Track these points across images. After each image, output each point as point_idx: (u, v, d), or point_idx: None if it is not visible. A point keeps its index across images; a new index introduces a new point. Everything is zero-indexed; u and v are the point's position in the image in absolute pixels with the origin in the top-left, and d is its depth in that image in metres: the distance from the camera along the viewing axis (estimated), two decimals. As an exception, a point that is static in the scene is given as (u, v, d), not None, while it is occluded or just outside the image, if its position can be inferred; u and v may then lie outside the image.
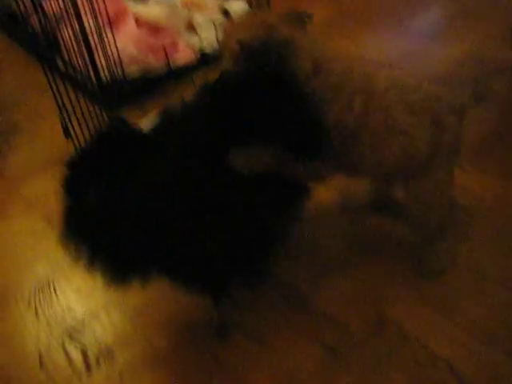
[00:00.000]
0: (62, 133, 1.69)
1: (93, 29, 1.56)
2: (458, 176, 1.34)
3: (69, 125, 1.54)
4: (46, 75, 1.42)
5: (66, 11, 1.47)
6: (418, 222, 1.11)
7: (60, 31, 1.65)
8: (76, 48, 1.52)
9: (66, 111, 1.53)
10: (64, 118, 1.53)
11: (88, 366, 1.06)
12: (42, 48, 1.59)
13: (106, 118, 1.63)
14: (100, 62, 1.64)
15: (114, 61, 1.68)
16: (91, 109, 1.58)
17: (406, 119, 0.98)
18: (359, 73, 0.99)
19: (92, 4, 1.53)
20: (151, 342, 1.08)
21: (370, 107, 0.97)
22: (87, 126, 1.53)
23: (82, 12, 1.50)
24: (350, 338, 1.05)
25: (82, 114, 1.54)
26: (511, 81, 1.68)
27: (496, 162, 1.41)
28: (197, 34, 1.96)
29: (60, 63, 1.89)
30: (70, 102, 1.53)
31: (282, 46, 0.91)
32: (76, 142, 1.55)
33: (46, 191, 1.48)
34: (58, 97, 1.47)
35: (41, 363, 1.07)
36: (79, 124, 1.53)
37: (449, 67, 1.78)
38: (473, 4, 2.10)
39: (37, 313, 1.17)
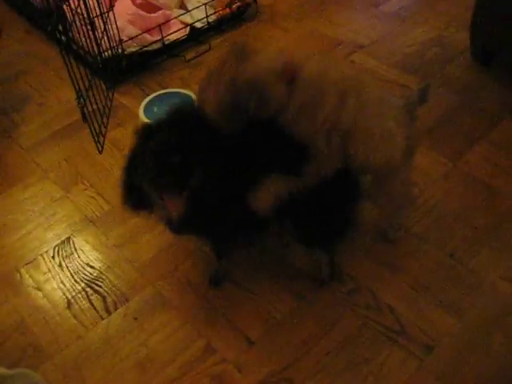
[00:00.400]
0: (67, 104, 1.89)
1: (97, 11, 1.74)
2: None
3: (83, 96, 1.73)
4: (63, 57, 1.56)
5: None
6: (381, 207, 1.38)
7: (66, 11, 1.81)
8: (84, 29, 1.70)
9: (78, 86, 1.70)
10: (80, 94, 1.70)
11: (107, 309, 1.33)
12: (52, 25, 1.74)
13: (110, 92, 1.84)
14: (103, 40, 1.82)
15: (115, 39, 1.86)
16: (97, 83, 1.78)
17: (393, 125, 1.14)
18: (335, 78, 1.06)
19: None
20: (158, 290, 1.35)
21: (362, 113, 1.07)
22: (94, 98, 1.75)
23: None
24: (316, 289, 1.33)
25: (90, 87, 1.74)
26: (464, 64, 1.90)
27: (444, 140, 1.66)
28: (187, 11, 2.13)
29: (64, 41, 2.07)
30: (81, 77, 1.70)
31: (252, 91, 0.98)
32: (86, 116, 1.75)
33: (59, 159, 1.70)
34: (74, 77, 1.62)
35: (69, 308, 1.34)
36: (88, 97, 1.73)
37: (414, 48, 2.00)
38: (441, -14, 2.29)
39: (61, 265, 1.43)
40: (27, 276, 1.41)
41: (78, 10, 1.68)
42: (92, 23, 1.70)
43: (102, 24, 1.78)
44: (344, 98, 1.06)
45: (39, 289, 1.38)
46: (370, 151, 1.12)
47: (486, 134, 1.67)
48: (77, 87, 1.63)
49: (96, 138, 1.66)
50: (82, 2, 1.66)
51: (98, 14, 1.74)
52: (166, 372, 1.21)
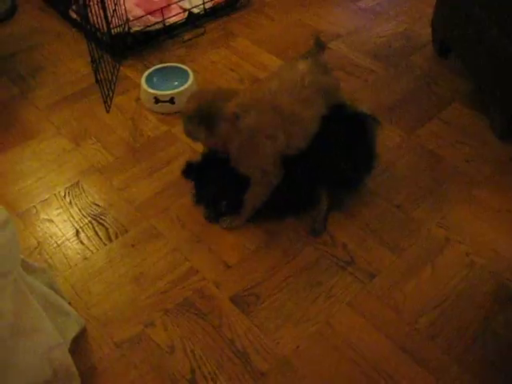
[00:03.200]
0: (77, 74, 2.15)
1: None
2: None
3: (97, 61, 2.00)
4: (84, 27, 1.82)
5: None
6: None
7: None
8: (96, 8, 1.96)
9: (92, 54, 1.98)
10: (94, 59, 1.98)
11: (109, 238, 1.60)
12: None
13: (117, 64, 2.10)
14: (113, 19, 2.09)
15: (123, 19, 2.12)
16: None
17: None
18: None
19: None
20: (152, 224, 1.62)
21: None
22: (104, 69, 2.02)
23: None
24: (283, 228, 1.61)
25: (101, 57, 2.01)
26: (426, 56, 2.19)
27: (402, 117, 1.95)
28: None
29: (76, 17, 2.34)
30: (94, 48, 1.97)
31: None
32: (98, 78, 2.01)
33: (70, 119, 1.96)
34: (90, 45, 1.89)
35: (77, 235, 1.61)
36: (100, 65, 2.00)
37: (384, 40, 2.29)
38: (413, -13, 2.58)
39: (71, 203, 1.69)
40: (42, 210, 1.67)
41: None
42: (103, 2, 1.96)
43: (112, 4, 2.05)
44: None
45: (52, 221, 1.64)
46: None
47: (437, 114, 1.96)
48: (92, 53, 1.90)
49: (105, 98, 1.93)
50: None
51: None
52: (157, 285, 1.48)
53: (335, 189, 1.62)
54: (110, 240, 1.59)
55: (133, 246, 1.58)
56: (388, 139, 1.87)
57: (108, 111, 1.96)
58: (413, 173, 1.76)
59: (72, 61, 2.22)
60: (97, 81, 2.01)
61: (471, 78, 2.04)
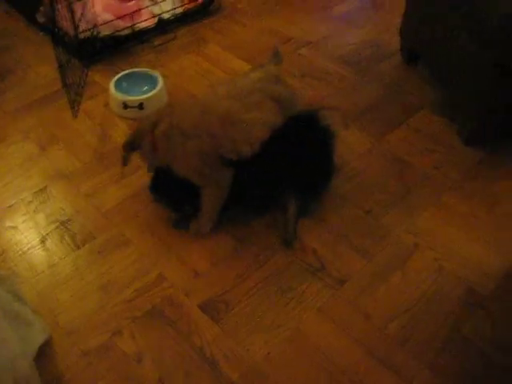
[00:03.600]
0: (45, 78, 2.12)
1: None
2: (344, 133, 1.89)
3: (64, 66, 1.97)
4: (54, 43, 1.80)
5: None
6: None
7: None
8: (64, 13, 1.94)
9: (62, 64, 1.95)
10: (61, 63, 1.94)
11: (77, 245, 1.56)
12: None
13: (85, 69, 2.07)
14: (80, 23, 2.06)
15: (91, 23, 2.10)
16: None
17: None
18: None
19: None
20: (121, 231, 1.60)
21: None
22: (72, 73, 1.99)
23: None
24: (252, 234, 1.60)
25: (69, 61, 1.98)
26: (394, 63, 2.22)
27: (371, 124, 1.96)
28: (157, 3, 2.38)
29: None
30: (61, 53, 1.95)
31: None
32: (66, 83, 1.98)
33: (38, 123, 1.92)
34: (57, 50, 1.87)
35: (43, 243, 1.57)
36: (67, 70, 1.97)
37: (354, 47, 2.31)
38: (383, -4, 2.62)
39: (37, 209, 1.65)
40: (6, 217, 1.63)
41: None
42: (71, 6, 1.93)
43: (80, 8, 2.02)
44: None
45: (17, 228, 1.60)
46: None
47: (405, 120, 1.98)
48: (59, 58, 1.87)
49: (72, 103, 1.90)
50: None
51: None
52: (125, 293, 1.45)
53: (300, 194, 1.61)
54: (78, 247, 1.56)
55: (100, 252, 1.55)
56: (358, 145, 1.88)
57: (75, 116, 1.93)
58: (382, 179, 1.78)
59: (40, 65, 2.18)
60: (64, 85, 1.98)
61: (439, 85, 2.07)
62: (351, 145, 1.88)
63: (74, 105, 1.93)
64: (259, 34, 2.40)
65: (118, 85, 1.96)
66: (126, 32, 2.21)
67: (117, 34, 2.19)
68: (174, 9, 2.35)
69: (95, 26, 2.11)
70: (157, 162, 1.54)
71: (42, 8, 2.27)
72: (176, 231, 1.60)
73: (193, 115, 1.48)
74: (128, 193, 1.70)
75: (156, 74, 2.01)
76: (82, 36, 2.07)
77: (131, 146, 1.52)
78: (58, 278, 1.48)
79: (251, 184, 1.55)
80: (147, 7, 2.31)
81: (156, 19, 2.31)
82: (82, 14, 2.03)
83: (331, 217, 1.66)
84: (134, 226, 1.62)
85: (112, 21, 2.16)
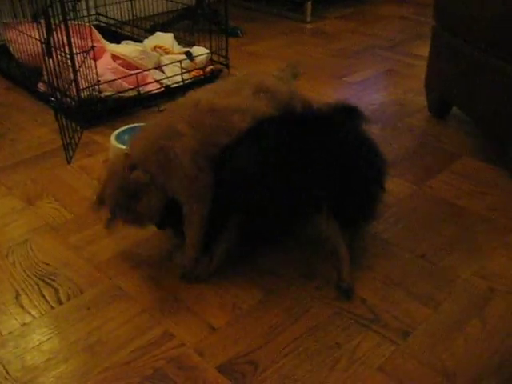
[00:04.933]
0: (38, 139, 1.91)
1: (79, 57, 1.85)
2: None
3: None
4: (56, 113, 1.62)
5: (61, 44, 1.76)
6: None
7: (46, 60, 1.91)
8: (63, 73, 1.78)
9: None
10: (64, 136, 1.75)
11: (59, 300, 1.22)
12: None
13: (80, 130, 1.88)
14: (81, 84, 1.90)
15: (93, 83, 1.94)
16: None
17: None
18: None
19: (81, 40, 1.85)
20: (116, 283, 1.26)
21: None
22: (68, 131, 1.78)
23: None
24: (284, 284, 1.27)
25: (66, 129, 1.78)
26: (422, 118, 2.03)
27: (408, 171, 1.71)
28: (164, 72, 2.27)
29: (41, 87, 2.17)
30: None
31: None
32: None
33: (25, 180, 1.67)
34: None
35: (17, 298, 1.23)
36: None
37: (376, 107, 2.14)
38: (397, 67, 2.52)
39: (14, 263, 1.33)
40: (-25, 273, 1.31)
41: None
42: (73, 59, 1.79)
43: (79, 64, 1.88)
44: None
45: (-15, 283, 1.28)
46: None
47: (446, 167, 1.73)
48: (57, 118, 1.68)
49: (66, 146, 1.67)
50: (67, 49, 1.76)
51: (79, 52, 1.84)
52: (119, 355, 1.09)
53: (344, 221, 1.25)
54: (60, 303, 1.22)
55: (89, 309, 1.20)
56: (397, 191, 1.61)
57: (69, 162, 1.69)
58: (432, 223, 1.48)
59: (35, 129, 1.98)
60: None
61: (478, 130, 1.87)
62: (389, 191, 1.59)
63: (69, 147, 1.69)
64: (272, 100, 2.24)
65: (119, 137, 1.74)
66: (130, 94, 2.05)
67: (120, 95, 2.03)
68: (183, 80, 2.22)
69: (97, 83, 1.95)
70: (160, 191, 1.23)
71: (43, 78, 2.14)
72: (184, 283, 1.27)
73: (163, 121, 1.28)
74: (127, 244, 1.40)
75: (162, 129, 1.81)
76: (82, 95, 1.90)
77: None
78: (30, 339, 1.13)
79: (265, 206, 1.23)
80: (156, 81, 2.18)
81: (162, 87, 2.17)
82: (78, 69, 1.88)
83: (378, 263, 1.34)
84: (132, 277, 1.29)
85: (115, 80, 2.01)
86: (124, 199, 1.21)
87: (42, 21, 1.65)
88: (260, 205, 1.22)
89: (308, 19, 3.13)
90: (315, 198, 1.21)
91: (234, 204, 1.24)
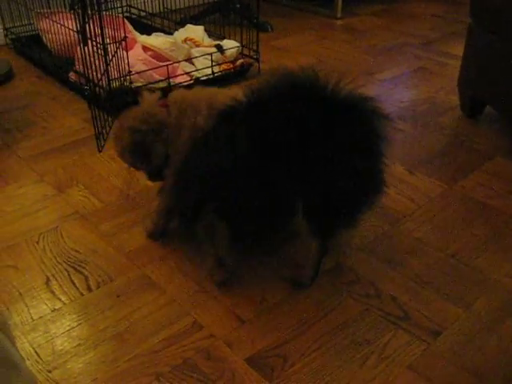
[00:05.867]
0: (69, 129, 1.93)
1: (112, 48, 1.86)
2: (409, 178, 1.63)
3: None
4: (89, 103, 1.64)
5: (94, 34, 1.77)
6: None
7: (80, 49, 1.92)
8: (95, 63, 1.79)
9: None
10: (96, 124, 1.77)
11: (89, 287, 1.23)
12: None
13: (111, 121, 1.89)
14: (113, 74, 1.91)
15: (125, 74, 1.95)
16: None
17: None
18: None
19: (113, 31, 1.86)
20: (146, 273, 1.27)
21: None
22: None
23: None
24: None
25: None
26: (454, 117, 2.00)
27: (439, 170, 1.68)
28: (194, 65, 2.27)
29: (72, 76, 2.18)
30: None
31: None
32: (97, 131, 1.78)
33: (56, 167, 1.68)
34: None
35: (47, 284, 1.24)
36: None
37: (407, 104, 2.11)
38: (429, 65, 2.48)
39: (44, 249, 1.35)
40: (6, 256, 1.32)
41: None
42: (105, 49, 1.80)
43: (111, 54, 1.88)
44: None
45: (16, 267, 1.29)
46: None
47: (479, 167, 1.70)
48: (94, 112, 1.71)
49: (97, 135, 1.68)
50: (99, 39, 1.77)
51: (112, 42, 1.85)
52: (148, 343, 1.09)
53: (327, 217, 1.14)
54: (90, 290, 1.23)
55: (118, 296, 1.21)
56: (427, 190, 1.59)
57: (100, 151, 1.70)
58: (464, 222, 1.46)
59: (65, 118, 2.00)
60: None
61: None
62: (420, 189, 1.59)
63: (100, 136, 1.71)
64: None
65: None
66: (161, 84, 2.05)
67: (151, 86, 2.03)
68: (212, 67, 2.22)
69: (128, 73, 1.96)
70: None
71: (74, 67, 2.16)
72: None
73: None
74: (156, 234, 1.40)
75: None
76: (113, 85, 1.90)
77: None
78: (60, 324, 1.14)
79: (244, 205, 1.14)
80: (186, 73, 2.18)
81: (193, 77, 2.17)
82: (110, 60, 1.89)
83: (409, 261, 1.32)
84: (162, 267, 1.29)
85: (146, 71, 2.02)
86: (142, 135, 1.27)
87: (78, 10, 1.66)
88: (232, 200, 1.14)
89: (338, 15, 3.10)
90: (290, 197, 1.12)
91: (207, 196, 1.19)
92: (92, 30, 1.76)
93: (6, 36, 2.62)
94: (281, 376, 1.03)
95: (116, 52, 1.89)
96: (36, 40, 2.47)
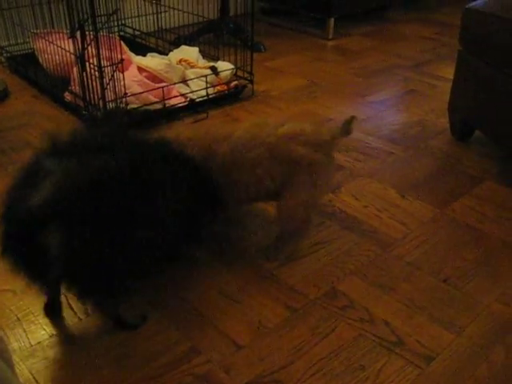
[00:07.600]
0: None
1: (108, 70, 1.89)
2: (401, 202, 1.66)
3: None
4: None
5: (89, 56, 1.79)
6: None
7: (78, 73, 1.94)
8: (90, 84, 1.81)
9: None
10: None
11: (86, 312, 1.24)
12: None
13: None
14: (109, 96, 1.94)
15: (121, 96, 1.98)
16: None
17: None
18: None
19: (109, 51, 1.89)
20: (141, 297, 1.29)
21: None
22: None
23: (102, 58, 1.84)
24: (309, 303, 1.28)
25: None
26: (444, 140, 2.04)
27: (430, 194, 1.72)
28: (188, 86, 2.30)
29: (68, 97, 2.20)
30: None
31: None
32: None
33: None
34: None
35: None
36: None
37: (398, 127, 2.15)
38: (419, 87, 2.53)
39: (42, 273, 1.36)
40: (3, 281, 1.33)
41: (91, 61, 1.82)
42: (101, 72, 1.83)
43: (108, 77, 1.91)
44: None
45: (14, 291, 1.30)
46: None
47: (469, 191, 1.74)
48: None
49: None
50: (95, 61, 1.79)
51: (108, 64, 1.88)
52: (146, 369, 1.10)
53: None
54: (87, 314, 1.24)
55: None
56: (419, 214, 1.62)
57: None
58: (455, 247, 1.49)
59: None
60: None
61: (501, 154, 1.88)
62: (412, 213, 1.62)
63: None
64: (296, 115, 2.25)
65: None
66: (157, 106, 2.08)
67: (145, 107, 2.06)
68: (208, 95, 2.25)
69: (124, 95, 1.98)
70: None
71: (70, 87, 2.18)
72: (210, 297, 1.29)
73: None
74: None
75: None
76: (108, 107, 1.93)
77: None
78: (58, 350, 1.15)
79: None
80: (181, 95, 2.21)
81: (188, 98, 2.20)
82: (107, 83, 1.91)
83: (401, 285, 1.35)
84: (158, 291, 1.31)
85: (141, 93, 2.05)
86: None
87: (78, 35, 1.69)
88: None
89: (330, 36, 3.16)
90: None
91: None
92: (88, 53, 1.79)
93: (1, 54, 2.64)
94: (278, 402, 1.05)
95: (113, 76, 1.91)
96: (31, 59, 2.48)
